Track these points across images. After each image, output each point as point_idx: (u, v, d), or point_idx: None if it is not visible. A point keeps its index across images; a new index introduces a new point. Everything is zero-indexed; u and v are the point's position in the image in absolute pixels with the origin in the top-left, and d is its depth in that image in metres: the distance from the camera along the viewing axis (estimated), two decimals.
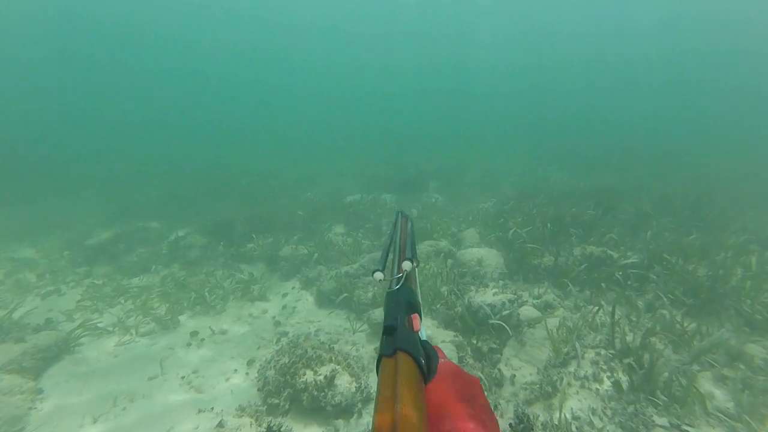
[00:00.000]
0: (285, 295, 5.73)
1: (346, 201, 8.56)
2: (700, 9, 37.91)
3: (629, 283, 4.63)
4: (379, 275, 0.88)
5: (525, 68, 53.69)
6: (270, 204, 9.21)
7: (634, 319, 4.07)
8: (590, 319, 3.96)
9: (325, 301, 5.32)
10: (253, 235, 7.12)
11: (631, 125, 21.61)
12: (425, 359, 0.63)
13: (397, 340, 0.63)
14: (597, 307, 4.23)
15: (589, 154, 13.86)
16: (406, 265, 0.91)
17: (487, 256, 5.43)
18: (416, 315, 0.77)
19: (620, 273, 4.72)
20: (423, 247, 5.93)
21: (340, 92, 56.26)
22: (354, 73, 59.14)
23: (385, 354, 0.60)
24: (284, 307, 5.34)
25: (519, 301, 4.35)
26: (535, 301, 4.49)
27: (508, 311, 3.93)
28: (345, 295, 5.10)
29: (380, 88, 56.12)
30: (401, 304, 0.77)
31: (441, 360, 0.72)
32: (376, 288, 5.06)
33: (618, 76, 48.43)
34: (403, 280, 0.86)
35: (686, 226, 6.28)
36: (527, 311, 4.15)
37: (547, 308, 4.40)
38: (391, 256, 1.04)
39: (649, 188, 8.86)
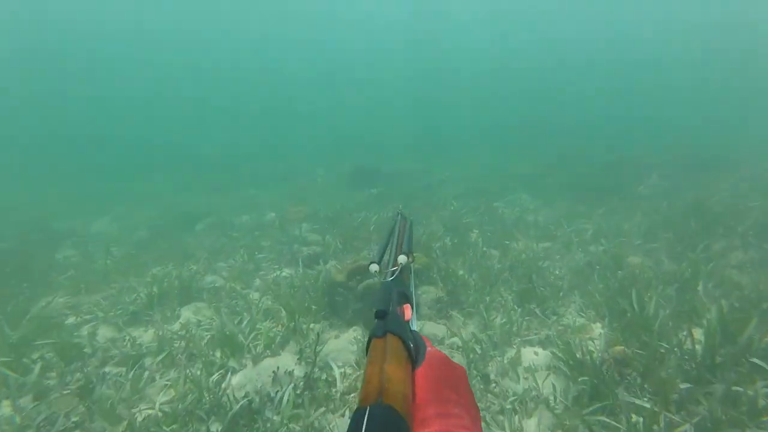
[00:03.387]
0: None
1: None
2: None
3: None
4: (374, 267, 0.97)
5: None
6: None
7: None
8: None
9: None
10: None
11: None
12: (414, 345, 0.72)
13: (387, 324, 0.71)
14: None
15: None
16: (402, 258, 1.00)
17: None
18: (408, 306, 0.86)
19: None
20: None
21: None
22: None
23: (375, 335, 0.69)
24: None
25: None
26: None
27: None
28: None
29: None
30: (394, 293, 0.84)
31: (428, 348, 0.77)
32: None
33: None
34: (397, 272, 0.96)
35: None
36: None
37: None
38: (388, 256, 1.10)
39: None
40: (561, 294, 5.52)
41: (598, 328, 4.79)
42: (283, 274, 6.99)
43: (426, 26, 46.11)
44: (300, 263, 7.14)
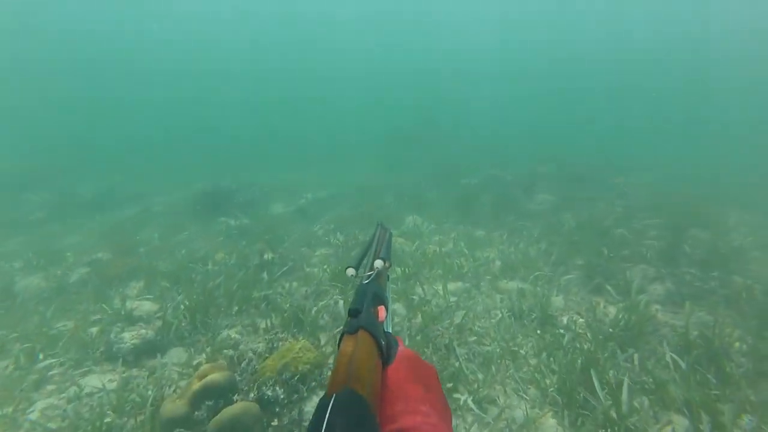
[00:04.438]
0: None
1: None
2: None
3: None
4: (351, 271, 1.05)
5: None
6: None
7: None
8: None
9: None
10: None
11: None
12: (385, 343, 0.73)
13: (360, 321, 0.73)
14: None
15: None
16: (378, 263, 1.06)
17: None
18: (382, 307, 0.88)
19: None
20: None
21: None
22: None
23: (347, 332, 0.71)
24: None
25: None
26: None
27: None
28: None
29: None
30: (369, 295, 0.87)
31: (400, 347, 0.78)
32: None
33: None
34: (374, 276, 0.99)
35: None
36: None
37: None
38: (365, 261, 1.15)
39: None
40: (492, 367, 4.42)
41: (549, 420, 3.78)
42: (87, 388, 4.52)
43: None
44: (120, 361, 4.79)
